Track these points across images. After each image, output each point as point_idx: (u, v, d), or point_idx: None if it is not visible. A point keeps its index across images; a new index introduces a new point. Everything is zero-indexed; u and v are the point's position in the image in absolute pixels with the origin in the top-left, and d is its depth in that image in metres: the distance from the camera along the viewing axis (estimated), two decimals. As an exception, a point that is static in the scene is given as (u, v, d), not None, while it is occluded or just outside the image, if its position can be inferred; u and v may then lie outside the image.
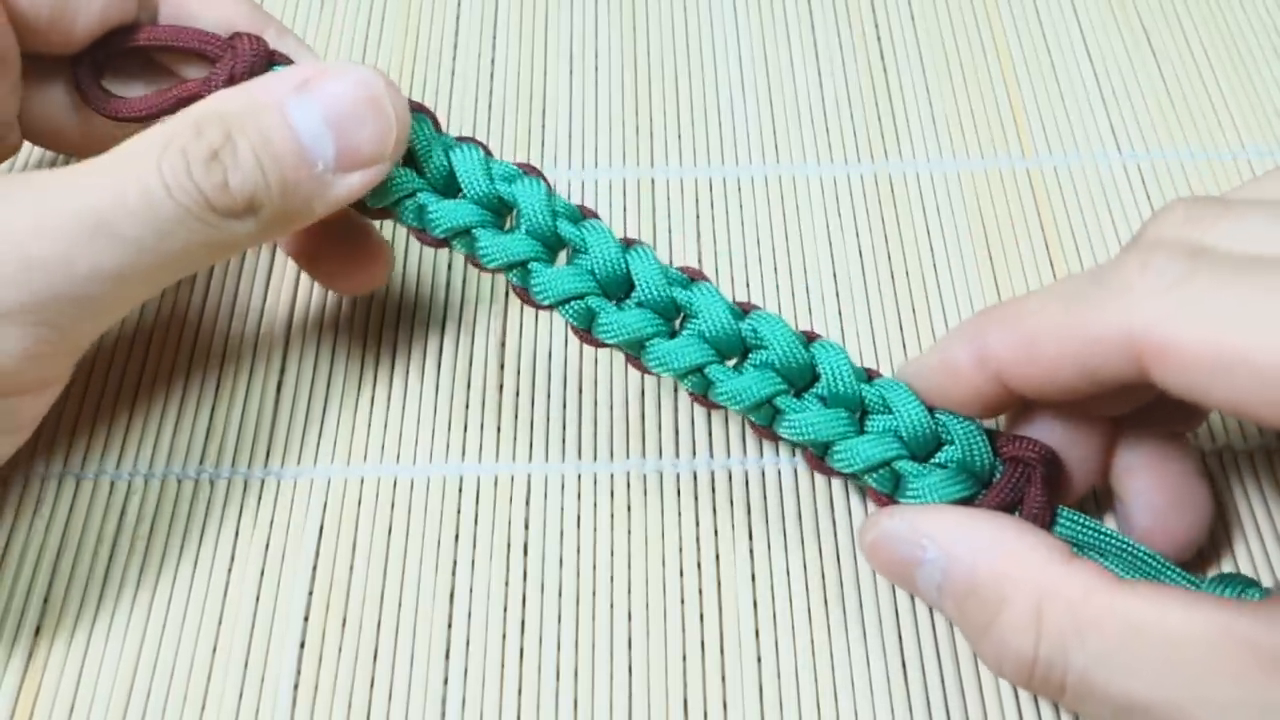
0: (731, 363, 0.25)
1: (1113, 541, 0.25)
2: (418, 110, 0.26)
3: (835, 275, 0.32)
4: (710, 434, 0.29)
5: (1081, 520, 0.25)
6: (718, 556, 0.27)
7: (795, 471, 0.29)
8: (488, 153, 0.26)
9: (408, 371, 0.30)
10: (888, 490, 0.25)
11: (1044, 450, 0.25)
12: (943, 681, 0.26)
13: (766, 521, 0.28)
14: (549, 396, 0.30)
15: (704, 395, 0.25)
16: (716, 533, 0.28)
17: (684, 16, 0.38)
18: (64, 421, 0.29)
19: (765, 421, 0.25)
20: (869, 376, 0.25)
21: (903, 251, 0.32)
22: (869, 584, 0.27)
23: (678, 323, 0.26)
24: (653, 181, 0.34)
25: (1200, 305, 0.20)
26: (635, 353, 0.25)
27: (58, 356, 0.24)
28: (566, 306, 0.25)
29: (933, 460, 0.25)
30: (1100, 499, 0.28)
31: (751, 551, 0.27)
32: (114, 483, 0.28)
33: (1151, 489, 0.25)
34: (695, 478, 0.29)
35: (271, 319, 0.31)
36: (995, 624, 0.22)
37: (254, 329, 0.31)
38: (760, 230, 0.33)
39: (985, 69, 0.37)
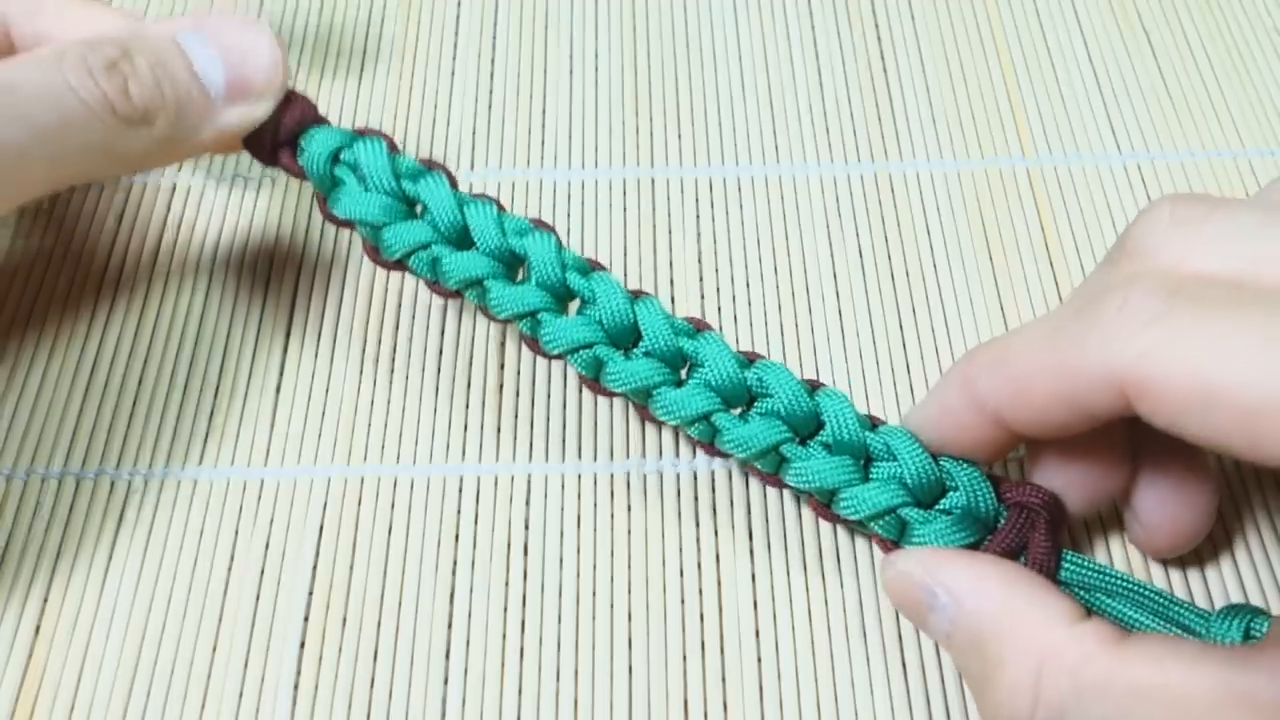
0: (737, 411, 0.26)
1: (1119, 583, 0.24)
2: (435, 167, 0.27)
3: (835, 275, 0.32)
4: (710, 434, 0.29)
5: (1087, 564, 0.25)
6: (718, 556, 0.27)
7: (795, 471, 0.29)
8: (500, 208, 0.27)
9: (408, 371, 0.30)
10: (893, 537, 0.25)
11: (1047, 496, 0.25)
12: (943, 681, 0.26)
13: (766, 521, 0.28)
14: (549, 396, 0.30)
15: (711, 443, 0.26)
16: (716, 533, 0.28)
17: (684, 16, 0.38)
18: (64, 421, 0.29)
19: (772, 469, 0.25)
20: (873, 424, 0.25)
21: (903, 251, 0.32)
22: (869, 584, 0.27)
23: (684, 372, 0.26)
24: (653, 181, 0.34)
25: (1178, 342, 0.20)
26: (643, 401, 0.26)
27: None
28: (575, 356, 0.26)
29: (937, 507, 0.25)
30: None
31: (751, 551, 0.27)
32: (114, 482, 0.28)
33: (1155, 478, 0.25)
34: (695, 478, 0.29)
35: (271, 319, 0.31)
36: (993, 683, 0.22)
37: (254, 329, 0.31)
38: (760, 230, 0.33)
39: (985, 69, 0.37)
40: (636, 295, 0.26)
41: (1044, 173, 0.34)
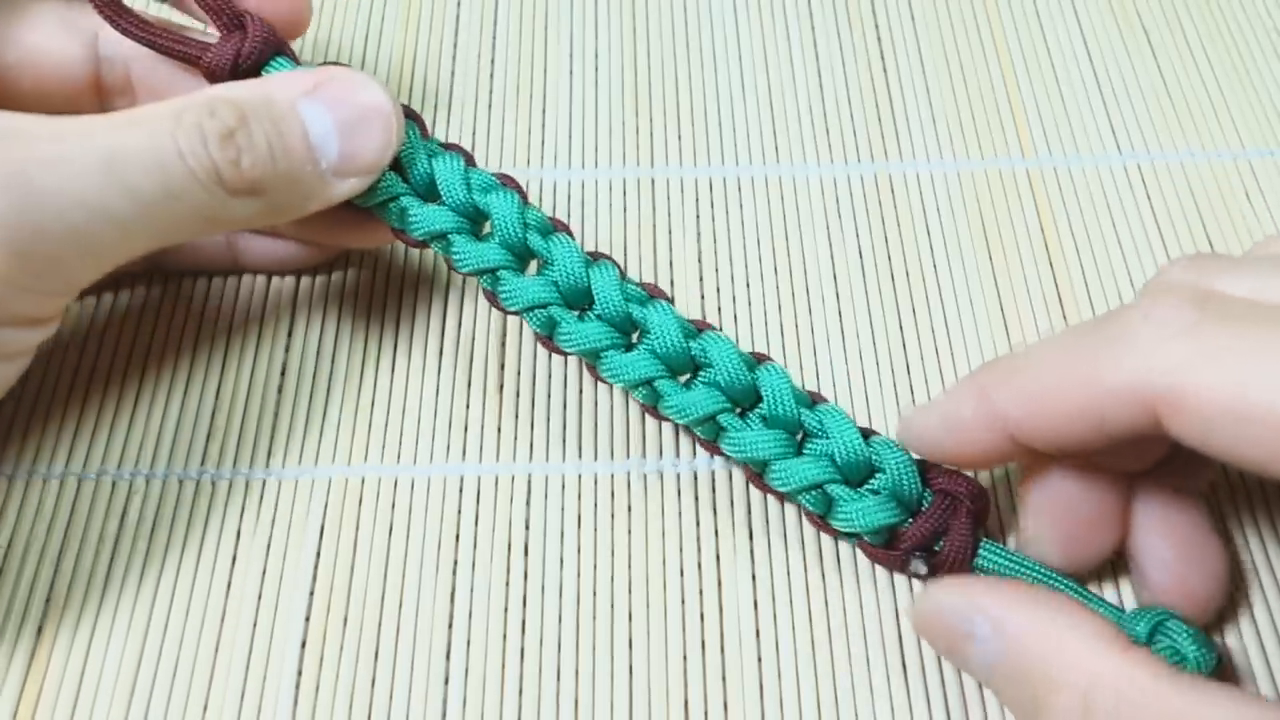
0: (684, 379, 0.27)
1: (1033, 572, 0.25)
2: (407, 116, 0.27)
3: (835, 275, 0.32)
4: (710, 434, 0.29)
5: (1003, 552, 0.25)
6: (718, 556, 0.27)
7: (795, 471, 0.29)
8: (470, 161, 0.28)
9: (408, 371, 0.30)
10: (820, 512, 0.26)
11: (972, 486, 0.26)
12: (943, 682, 0.26)
13: (767, 521, 0.28)
14: (549, 396, 0.30)
15: (654, 407, 0.27)
16: (717, 533, 0.28)
17: (684, 16, 0.38)
18: (66, 421, 0.29)
19: (710, 437, 0.27)
20: (813, 401, 0.26)
21: (903, 251, 0.32)
22: (869, 584, 0.27)
23: (635, 337, 0.27)
24: (653, 181, 0.34)
25: (1212, 354, 0.19)
26: (593, 362, 0.27)
27: (48, 293, 0.24)
28: (531, 314, 0.27)
29: (866, 487, 0.26)
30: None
31: (752, 551, 0.27)
32: (115, 483, 0.28)
33: (1162, 544, 0.25)
34: (695, 478, 0.29)
35: (272, 319, 0.31)
36: (1042, 712, 0.21)
37: (254, 329, 0.31)
38: (760, 230, 0.33)
39: (985, 69, 0.37)
40: (595, 258, 0.27)
41: (1044, 173, 0.34)
